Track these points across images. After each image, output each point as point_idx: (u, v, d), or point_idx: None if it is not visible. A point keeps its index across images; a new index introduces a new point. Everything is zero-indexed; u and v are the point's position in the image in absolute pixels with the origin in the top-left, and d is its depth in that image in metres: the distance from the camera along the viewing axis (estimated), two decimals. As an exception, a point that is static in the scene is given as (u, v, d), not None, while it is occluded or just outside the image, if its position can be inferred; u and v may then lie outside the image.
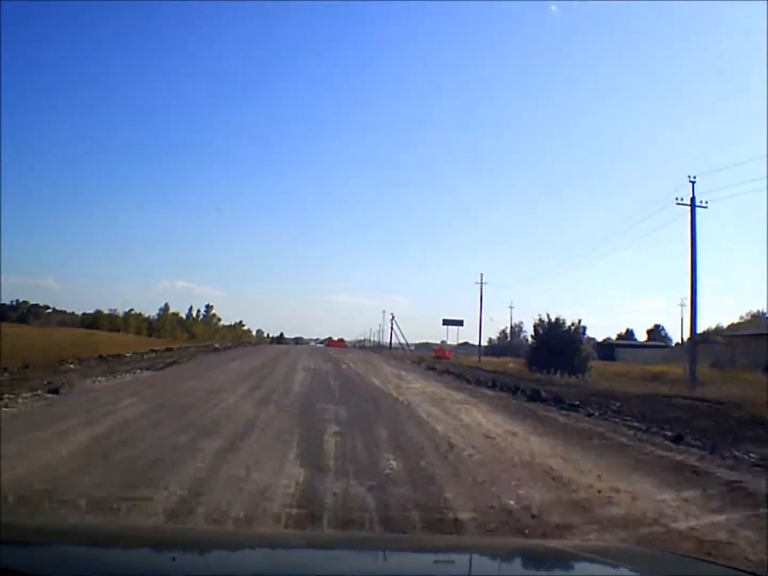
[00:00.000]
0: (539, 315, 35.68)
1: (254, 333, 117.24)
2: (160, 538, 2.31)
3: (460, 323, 67.72)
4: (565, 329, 34.59)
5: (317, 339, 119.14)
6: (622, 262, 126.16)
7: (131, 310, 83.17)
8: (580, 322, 34.86)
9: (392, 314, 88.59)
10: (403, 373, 23.80)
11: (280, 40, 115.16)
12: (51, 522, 3.69)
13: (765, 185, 36.66)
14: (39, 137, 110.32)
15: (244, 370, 20.11)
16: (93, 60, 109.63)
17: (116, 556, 1.87)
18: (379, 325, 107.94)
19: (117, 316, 78.83)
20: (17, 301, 79.39)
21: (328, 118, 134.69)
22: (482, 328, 56.74)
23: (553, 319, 34.93)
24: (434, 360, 41.60)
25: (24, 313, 75.84)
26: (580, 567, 2.08)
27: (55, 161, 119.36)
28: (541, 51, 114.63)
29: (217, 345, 44.72)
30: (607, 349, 52.46)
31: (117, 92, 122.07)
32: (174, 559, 1.75)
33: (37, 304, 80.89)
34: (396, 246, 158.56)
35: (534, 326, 35.77)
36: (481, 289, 56.71)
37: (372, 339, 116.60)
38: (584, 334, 35.25)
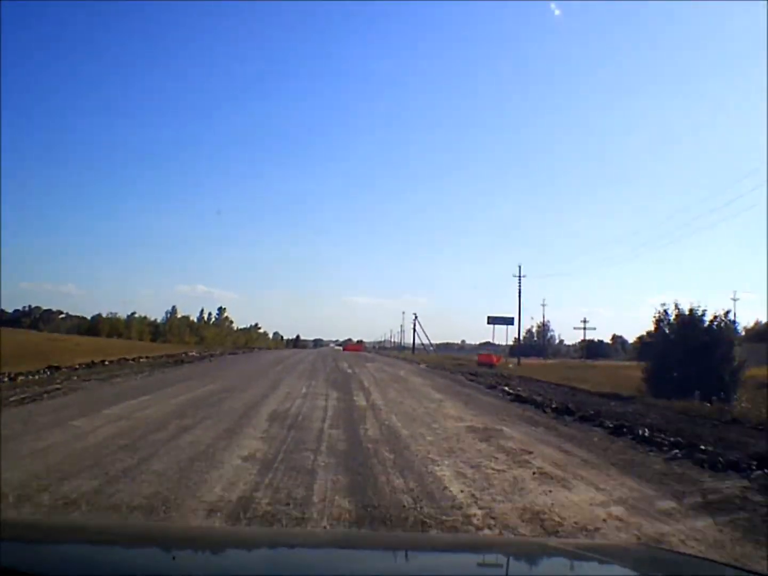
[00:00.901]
0: (663, 306, 23.11)
1: (270, 336, 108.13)
2: (160, 537, 2.26)
3: (509, 321, 57.05)
4: (705, 326, 22.18)
5: (336, 341, 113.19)
6: (640, 262, 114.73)
7: (134, 313, 77.05)
8: (727, 314, 22.42)
9: (415, 314, 79.65)
10: (486, 419, 11.52)
11: (286, 42, 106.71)
12: (50, 521, 3.56)
13: None
14: (59, 144, 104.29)
15: (129, 428, 8.24)
16: (107, 63, 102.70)
17: (116, 556, 1.83)
18: (401, 326, 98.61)
19: (118, 320, 72.17)
20: (29, 306, 78.37)
21: (345, 118, 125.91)
22: (521, 326, 51.73)
23: (686, 312, 22.47)
24: (481, 368, 34.14)
25: (36, 319, 74.09)
26: (580, 566, 1.99)
27: (69, 165, 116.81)
28: (563, 43, 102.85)
29: (195, 353, 33.14)
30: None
31: (130, 95, 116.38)
32: (174, 558, 1.72)
33: (50, 310, 79.82)
34: (414, 247, 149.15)
35: (656, 322, 23.19)
36: (520, 282, 52.25)
37: (392, 340, 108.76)
38: (736, 333, 22.83)
